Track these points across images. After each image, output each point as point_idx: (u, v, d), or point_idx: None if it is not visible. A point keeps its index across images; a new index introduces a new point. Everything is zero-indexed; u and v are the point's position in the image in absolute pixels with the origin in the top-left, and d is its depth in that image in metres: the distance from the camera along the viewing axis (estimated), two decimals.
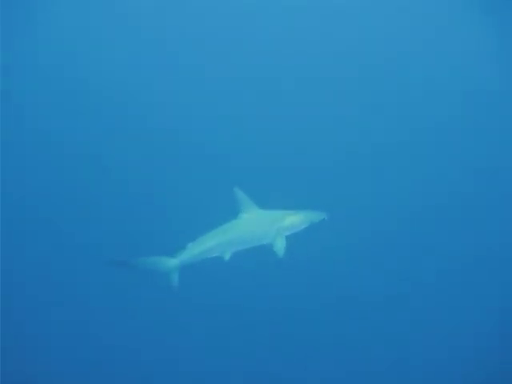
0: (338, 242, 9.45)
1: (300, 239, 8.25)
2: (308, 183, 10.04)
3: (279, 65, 11.63)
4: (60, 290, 9.27)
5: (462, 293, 9.90)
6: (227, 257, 8.10)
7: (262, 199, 8.46)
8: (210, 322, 9.06)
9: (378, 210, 10.24)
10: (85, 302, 9.18)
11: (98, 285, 9.21)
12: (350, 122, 11.19)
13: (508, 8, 11.80)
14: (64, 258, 9.52)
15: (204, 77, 11.36)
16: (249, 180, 8.63)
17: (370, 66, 12.11)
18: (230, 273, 8.46)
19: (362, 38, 12.33)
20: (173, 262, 8.07)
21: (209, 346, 8.98)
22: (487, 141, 11.47)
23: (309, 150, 10.71)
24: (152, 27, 11.89)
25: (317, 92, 11.38)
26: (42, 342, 8.91)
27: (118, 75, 11.30)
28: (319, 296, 9.32)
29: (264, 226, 8.27)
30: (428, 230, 10.45)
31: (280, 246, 8.05)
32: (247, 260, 8.27)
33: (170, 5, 12.11)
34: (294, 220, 8.28)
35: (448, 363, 9.27)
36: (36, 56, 11.58)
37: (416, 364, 9.26)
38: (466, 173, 11.07)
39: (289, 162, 10.44)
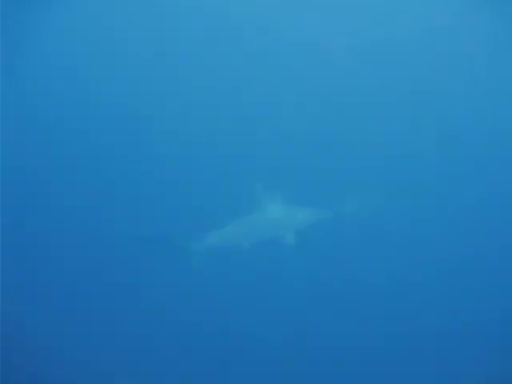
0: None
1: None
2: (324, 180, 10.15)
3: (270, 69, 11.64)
4: (60, 289, 9.37)
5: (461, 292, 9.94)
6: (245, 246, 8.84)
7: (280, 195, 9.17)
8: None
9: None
10: (85, 302, 9.24)
11: (98, 285, 9.33)
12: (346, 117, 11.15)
13: None
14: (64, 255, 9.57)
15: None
16: (267, 177, 9.33)
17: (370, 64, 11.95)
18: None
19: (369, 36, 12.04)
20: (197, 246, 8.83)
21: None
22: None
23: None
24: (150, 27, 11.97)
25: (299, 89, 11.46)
26: (41, 342, 8.90)
27: (117, 74, 11.53)
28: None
29: (278, 220, 9.07)
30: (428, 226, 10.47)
31: (291, 239, 8.93)
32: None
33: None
34: (304, 215, 9.15)
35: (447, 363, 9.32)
36: (36, 56, 11.65)
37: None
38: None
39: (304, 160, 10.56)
